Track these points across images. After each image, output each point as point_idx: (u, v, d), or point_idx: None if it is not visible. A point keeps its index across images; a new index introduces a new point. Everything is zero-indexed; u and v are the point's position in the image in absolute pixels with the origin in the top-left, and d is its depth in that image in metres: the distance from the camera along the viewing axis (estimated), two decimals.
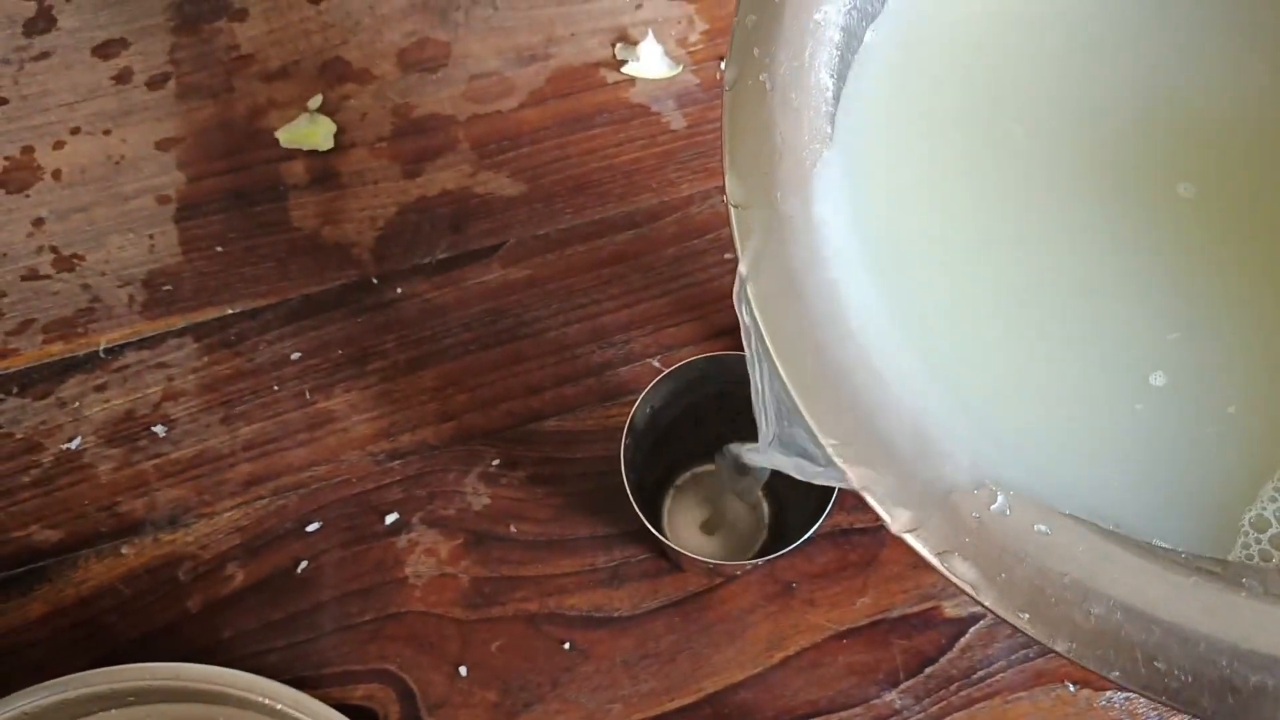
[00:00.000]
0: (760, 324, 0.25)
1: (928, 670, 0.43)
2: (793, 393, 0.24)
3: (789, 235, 0.25)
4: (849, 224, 0.26)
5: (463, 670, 0.43)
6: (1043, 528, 0.23)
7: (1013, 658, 0.43)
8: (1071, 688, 0.42)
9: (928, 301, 0.28)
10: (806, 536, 0.35)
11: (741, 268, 0.25)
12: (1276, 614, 0.22)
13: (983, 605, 0.22)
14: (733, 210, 0.25)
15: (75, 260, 0.49)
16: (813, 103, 0.26)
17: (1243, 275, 0.29)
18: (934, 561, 0.23)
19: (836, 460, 0.23)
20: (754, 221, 0.25)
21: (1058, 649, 0.22)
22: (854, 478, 0.23)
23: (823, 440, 0.23)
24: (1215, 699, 0.21)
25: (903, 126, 0.30)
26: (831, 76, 0.27)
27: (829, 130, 0.26)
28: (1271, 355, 0.28)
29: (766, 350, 0.25)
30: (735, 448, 0.37)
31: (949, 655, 0.43)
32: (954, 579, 0.22)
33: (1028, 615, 0.22)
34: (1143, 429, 0.27)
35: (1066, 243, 0.30)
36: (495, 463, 0.46)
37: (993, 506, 0.23)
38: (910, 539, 0.23)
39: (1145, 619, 0.21)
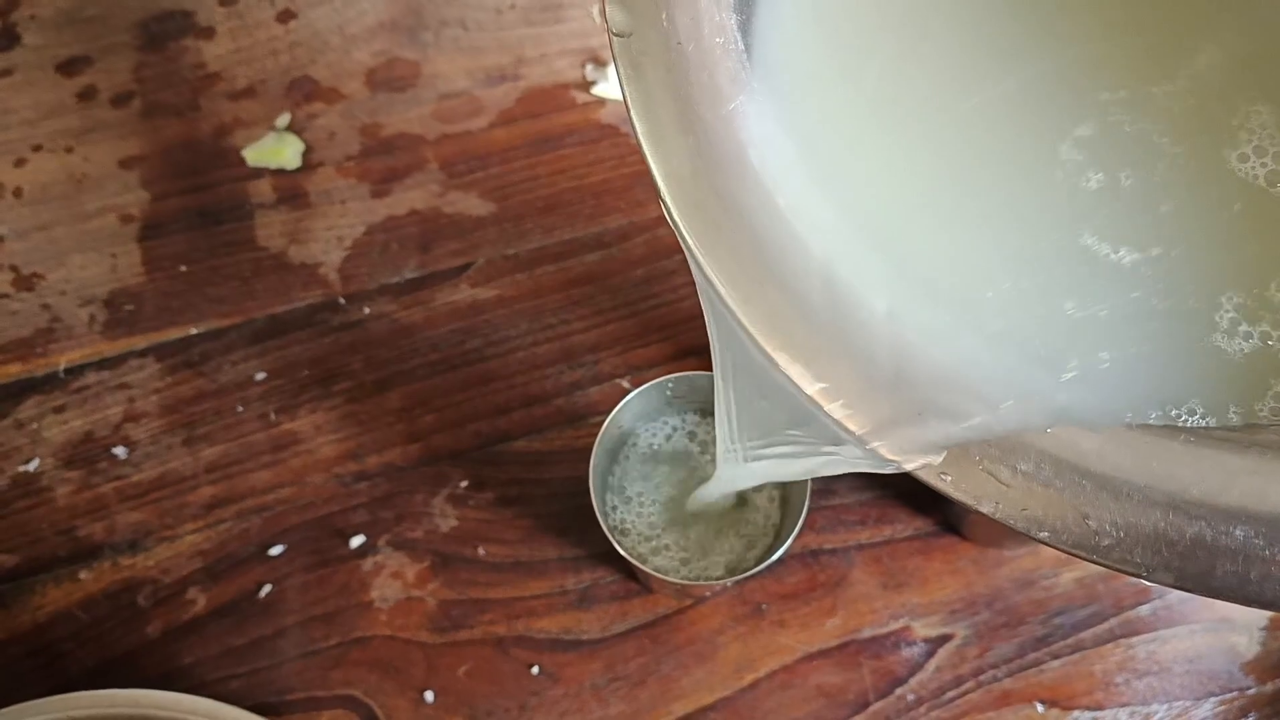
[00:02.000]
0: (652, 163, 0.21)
1: (898, 691, 0.43)
2: (697, 253, 0.21)
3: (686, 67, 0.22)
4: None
5: (429, 696, 0.42)
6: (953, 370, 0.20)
7: (982, 678, 0.43)
8: (1040, 707, 0.42)
9: (843, 150, 0.25)
10: (774, 557, 0.35)
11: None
12: (1217, 458, 0.20)
13: (900, 468, 0.20)
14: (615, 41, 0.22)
15: (35, 279, 0.49)
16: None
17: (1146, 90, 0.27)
18: (850, 428, 0.20)
19: (739, 314, 0.20)
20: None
21: (983, 510, 0.20)
22: (763, 340, 0.20)
23: (727, 298, 0.21)
24: (1150, 553, 0.19)
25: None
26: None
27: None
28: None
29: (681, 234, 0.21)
30: (694, 497, 0.37)
31: (919, 676, 0.43)
32: (869, 444, 0.20)
33: (950, 477, 0.20)
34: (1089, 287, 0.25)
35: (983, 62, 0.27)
36: (463, 484, 0.46)
37: (911, 357, 0.20)
38: (831, 408, 0.20)
39: (1075, 471, 0.20)
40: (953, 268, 0.25)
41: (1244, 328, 0.25)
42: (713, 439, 0.40)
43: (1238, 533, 0.19)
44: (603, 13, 0.22)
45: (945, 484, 0.20)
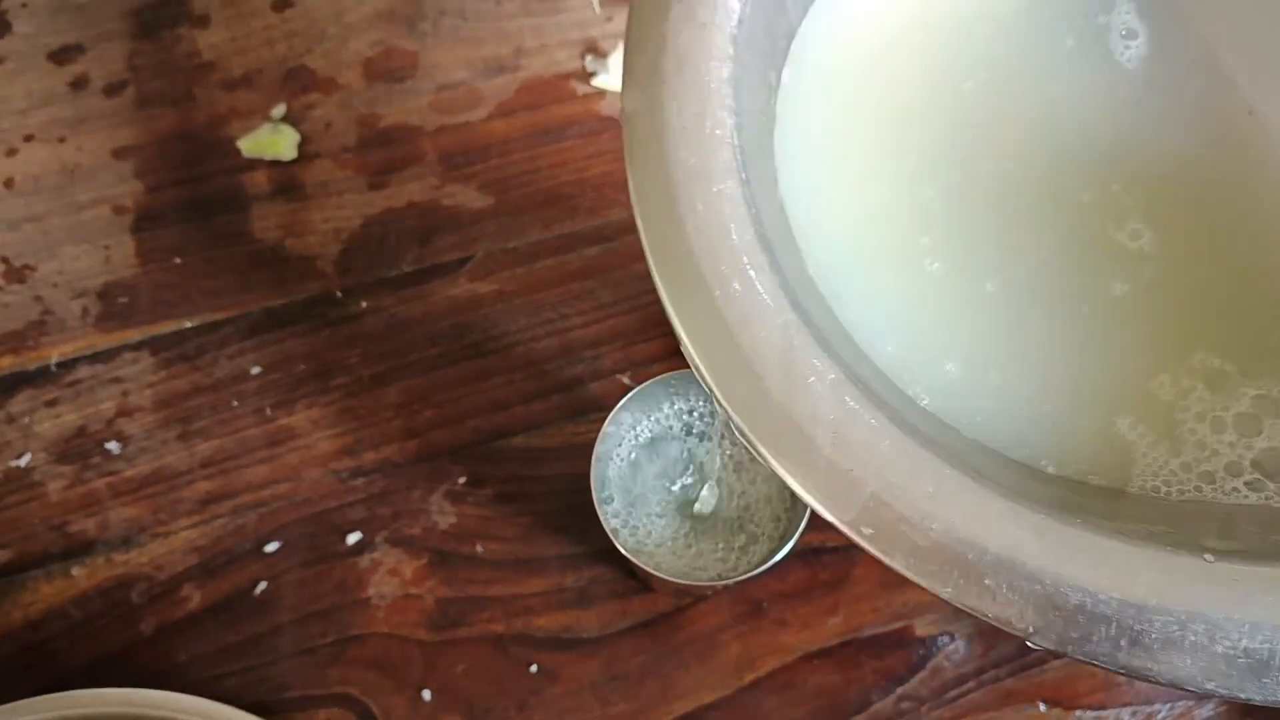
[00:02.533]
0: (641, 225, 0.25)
1: (899, 690, 0.42)
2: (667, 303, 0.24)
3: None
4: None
5: (426, 694, 0.42)
6: (886, 444, 0.23)
7: (984, 677, 0.43)
8: (1042, 707, 0.42)
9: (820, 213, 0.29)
10: (777, 558, 0.35)
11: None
12: (1101, 543, 0.23)
13: (827, 516, 0.23)
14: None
15: (27, 271, 0.48)
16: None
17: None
18: (779, 469, 0.23)
19: (701, 370, 0.24)
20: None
21: (895, 566, 0.23)
22: (718, 392, 0.24)
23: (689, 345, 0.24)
24: (1038, 616, 0.22)
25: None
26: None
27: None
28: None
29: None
30: (703, 498, 0.38)
31: (920, 675, 0.42)
32: (788, 479, 0.23)
33: (870, 531, 0.23)
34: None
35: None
36: (461, 480, 0.45)
37: (848, 422, 0.23)
38: (767, 455, 0.23)
39: (976, 545, 0.22)
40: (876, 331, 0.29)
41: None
42: (715, 434, 0.39)
43: (1112, 606, 0.22)
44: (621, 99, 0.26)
45: (863, 536, 0.23)
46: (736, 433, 0.24)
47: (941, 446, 0.24)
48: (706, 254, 0.24)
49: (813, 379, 0.24)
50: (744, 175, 0.25)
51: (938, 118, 0.32)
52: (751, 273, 0.24)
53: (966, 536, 0.22)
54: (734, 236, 0.24)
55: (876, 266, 0.30)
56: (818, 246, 0.29)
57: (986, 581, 0.22)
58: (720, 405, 0.24)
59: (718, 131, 0.25)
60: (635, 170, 0.25)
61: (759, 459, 0.24)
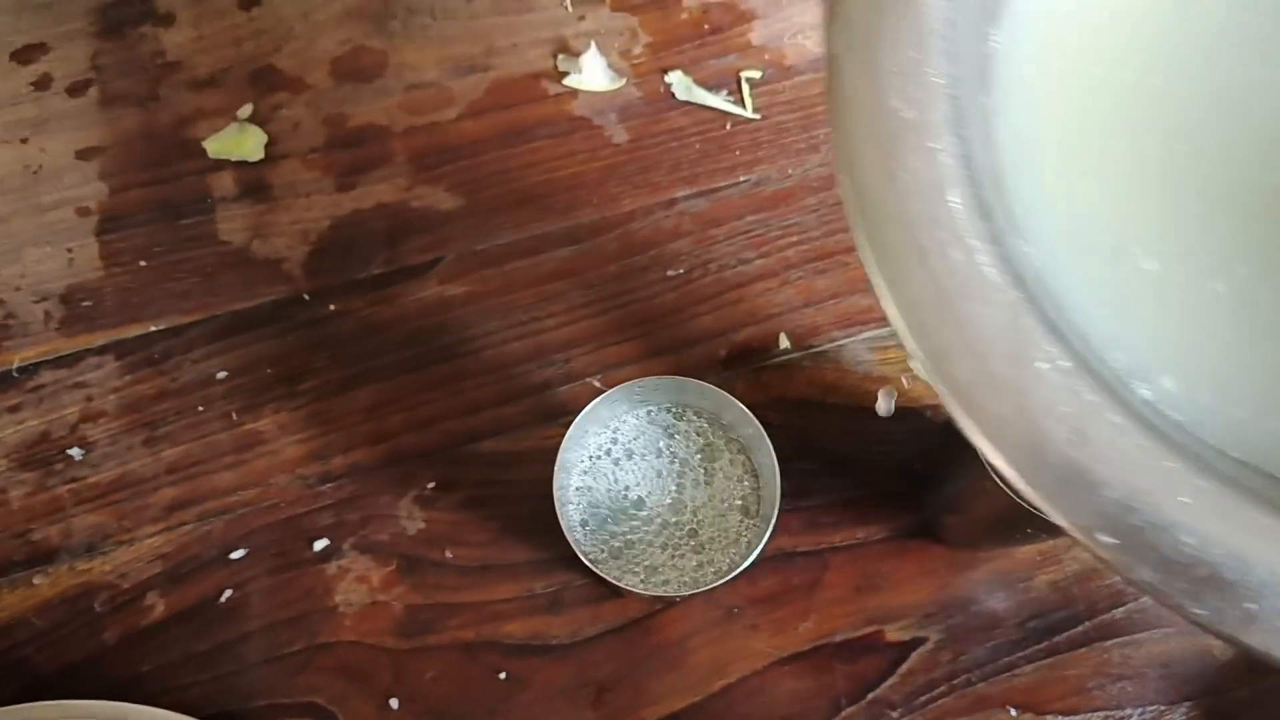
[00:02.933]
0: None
1: (870, 695, 0.42)
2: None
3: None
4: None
5: (394, 703, 0.42)
6: (1132, 444, 0.21)
7: (955, 682, 0.42)
8: (1013, 712, 0.42)
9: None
10: (746, 564, 0.34)
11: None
12: None
13: (1054, 519, 0.21)
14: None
15: None
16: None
17: None
18: (1009, 473, 0.21)
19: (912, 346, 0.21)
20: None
21: (1139, 579, 0.20)
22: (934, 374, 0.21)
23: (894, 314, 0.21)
24: None
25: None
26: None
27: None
28: None
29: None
30: None
31: (891, 681, 0.42)
32: (1010, 473, 0.21)
33: (1111, 540, 0.20)
34: None
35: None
36: (431, 485, 0.45)
37: (1088, 417, 0.21)
38: (991, 452, 0.21)
39: (1240, 563, 0.20)
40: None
41: None
42: (683, 438, 0.39)
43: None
44: (825, 26, 0.23)
45: (1099, 545, 0.21)
46: (954, 418, 0.21)
47: (1187, 451, 0.22)
48: (921, 218, 0.22)
49: (1046, 366, 0.21)
50: (962, 133, 0.23)
51: (1167, 96, 0.28)
52: (972, 242, 0.22)
53: (1228, 553, 0.20)
54: (952, 199, 0.22)
55: (1086, 257, 0.27)
56: (1027, 224, 0.26)
57: (1249, 606, 0.20)
58: (935, 385, 0.21)
59: (937, 80, 0.23)
60: (840, 120, 0.23)
61: (976, 446, 0.21)
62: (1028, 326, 0.21)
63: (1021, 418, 0.21)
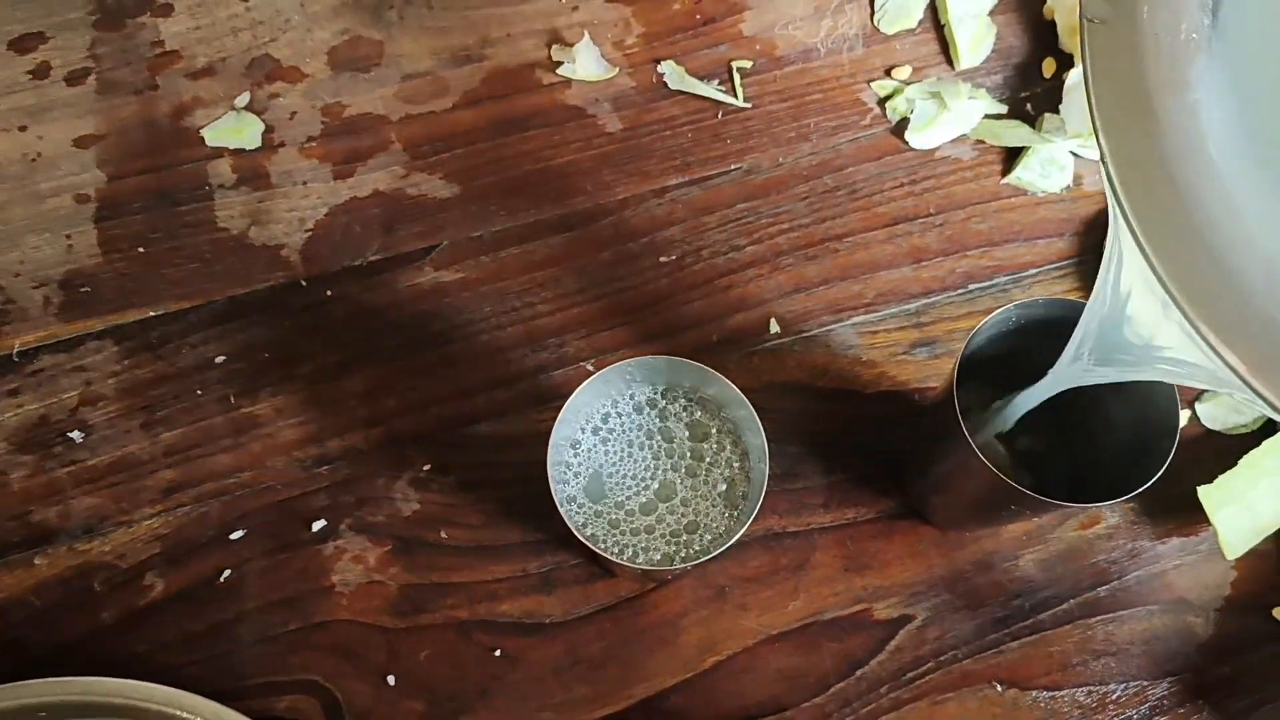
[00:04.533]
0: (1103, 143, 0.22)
1: (858, 673, 0.43)
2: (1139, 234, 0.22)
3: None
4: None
5: (390, 680, 0.42)
6: None
7: (941, 659, 0.43)
8: (999, 688, 0.43)
9: None
10: (734, 539, 0.35)
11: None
12: None
13: None
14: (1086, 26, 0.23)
15: None
16: None
17: None
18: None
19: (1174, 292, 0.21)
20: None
21: None
22: (1192, 314, 0.21)
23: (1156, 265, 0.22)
24: None
25: None
26: None
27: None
28: None
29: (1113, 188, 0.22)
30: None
31: (878, 658, 0.43)
32: None
33: None
34: None
35: None
36: (425, 468, 0.45)
37: None
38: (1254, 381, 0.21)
39: None
40: None
41: None
42: (675, 419, 0.40)
43: None
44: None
45: None
46: (1228, 368, 0.22)
47: None
48: (1182, 173, 0.22)
49: None
50: (1219, 89, 0.23)
51: None
52: (1236, 197, 0.22)
53: None
54: (1212, 153, 0.22)
55: None
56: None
57: None
58: (1204, 339, 0.21)
59: (1194, 36, 0.23)
60: (1098, 80, 0.23)
61: (1258, 402, 0.22)
62: None
63: None
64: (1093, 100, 0.23)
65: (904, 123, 0.51)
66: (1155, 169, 0.22)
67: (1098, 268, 0.50)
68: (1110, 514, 0.45)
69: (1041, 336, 0.38)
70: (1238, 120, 0.23)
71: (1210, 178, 0.22)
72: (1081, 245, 0.50)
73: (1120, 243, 0.27)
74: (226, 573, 0.43)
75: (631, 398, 0.40)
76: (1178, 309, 0.22)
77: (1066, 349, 0.33)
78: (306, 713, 0.42)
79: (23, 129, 0.50)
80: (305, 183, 0.50)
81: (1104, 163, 0.23)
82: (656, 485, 0.39)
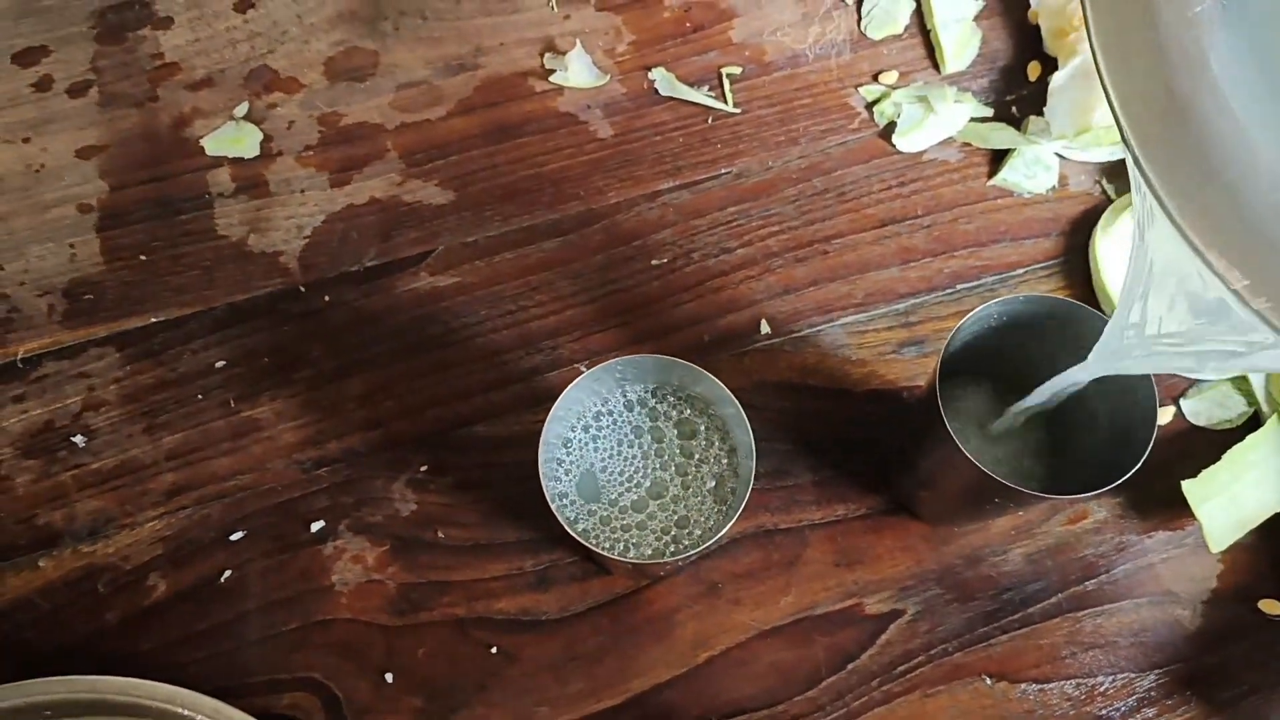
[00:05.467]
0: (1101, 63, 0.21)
1: (850, 666, 0.43)
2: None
3: None
4: None
5: (389, 677, 0.43)
6: None
7: (932, 653, 0.44)
8: (989, 681, 0.43)
9: None
10: (721, 534, 0.36)
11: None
12: None
13: None
14: None
15: None
16: None
17: None
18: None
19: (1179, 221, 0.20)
20: None
21: None
22: (1192, 233, 0.20)
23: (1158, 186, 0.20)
24: None
25: None
26: None
27: None
28: None
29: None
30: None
31: (870, 651, 0.44)
32: None
33: None
34: None
35: None
36: (423, 469, 0.46)
37: None
38: (1257, 303, 0.20)
39: None
40: None
41: None
42: (664, 417, 0.40)
43: None
44: None
45: None
46: (1239, 305, 0.21)
47: None
48: (1184, 89, 0.21)
49: None
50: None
51: None
52: (1239, 111, 0.21)
53: None
54: (1215, 68, 0.21)
55: None
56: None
57: None
58: (1212, 269, 0.20)
59: None
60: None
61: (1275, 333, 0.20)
62: None
63: None
64: (1089, 17, 0.22)
65: (891, 126, 0.52)
66: (1155, 82, 0.21)
67: (1084, 267, 0.51)
68: (1097, 508, 0.46)
69: (1025, 332, 0.39)
70: (1245, 34, 0.22)
71: (1210, 90, 0.21)
72: (1067, 245, 0.50)
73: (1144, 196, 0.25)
74: (228, 573, 0.44)
75: (622, 395, 0.41)
76: (1177, 229, 0.21)
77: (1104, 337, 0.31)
78: (307, 710, 0.42)
79: (26, 141, 0.51)
80: (303, 191, 0.51)
81: (1101, 80, 0.22)
82: (648, 483, 0.40)
